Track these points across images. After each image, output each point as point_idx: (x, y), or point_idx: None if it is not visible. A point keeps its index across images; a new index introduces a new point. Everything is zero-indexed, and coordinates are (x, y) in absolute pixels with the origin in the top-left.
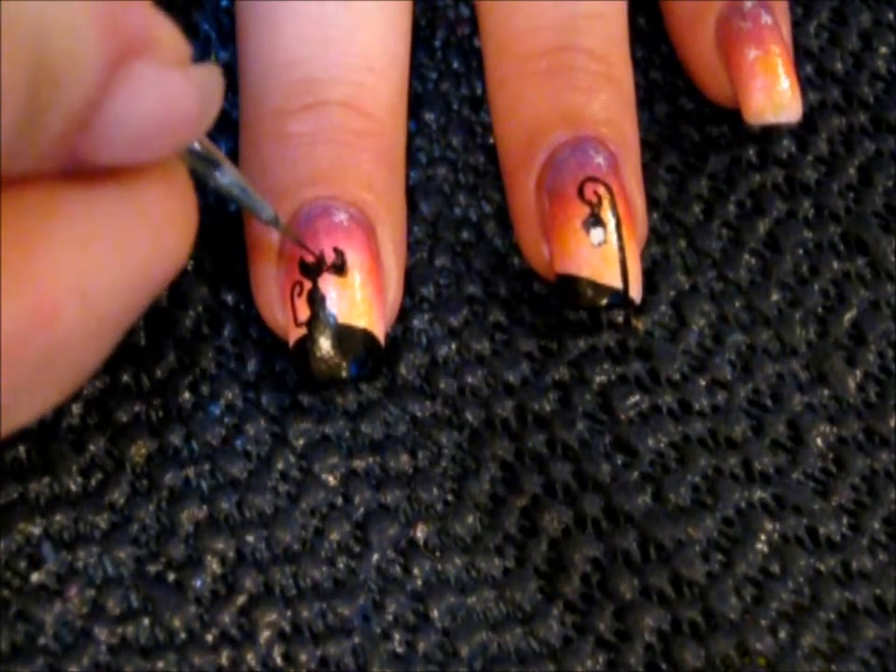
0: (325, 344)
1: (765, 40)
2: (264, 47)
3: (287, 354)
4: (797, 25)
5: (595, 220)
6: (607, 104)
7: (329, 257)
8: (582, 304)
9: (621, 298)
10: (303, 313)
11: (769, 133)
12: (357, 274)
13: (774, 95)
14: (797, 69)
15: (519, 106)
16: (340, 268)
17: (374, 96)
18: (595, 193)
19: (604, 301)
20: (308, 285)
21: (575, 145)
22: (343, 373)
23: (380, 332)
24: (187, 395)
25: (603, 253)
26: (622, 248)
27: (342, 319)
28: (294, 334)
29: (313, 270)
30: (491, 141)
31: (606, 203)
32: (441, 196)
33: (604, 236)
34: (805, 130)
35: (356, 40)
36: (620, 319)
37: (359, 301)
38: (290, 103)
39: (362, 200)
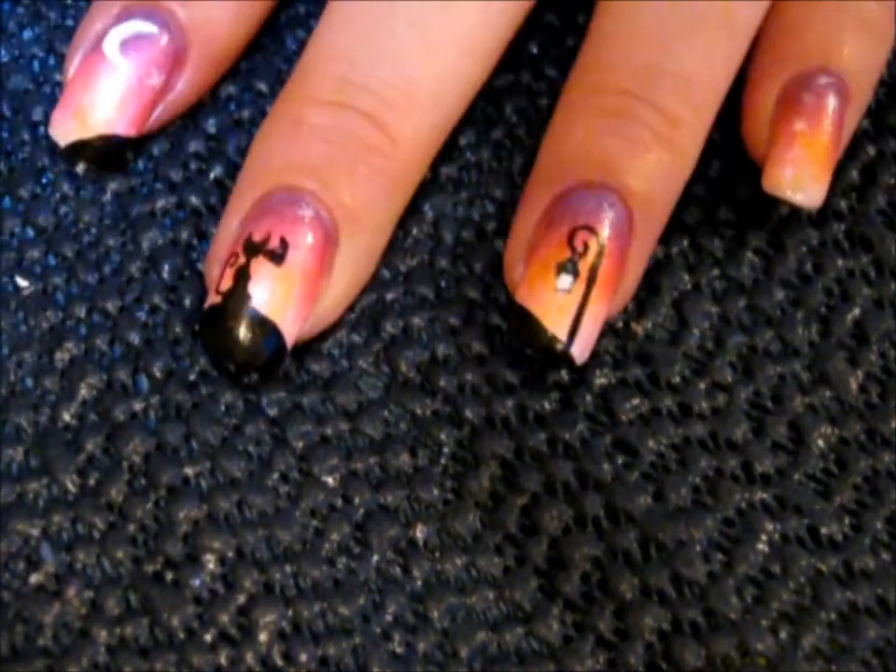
0: (229, 321)
1: (818, 120)
2: (323, 35)
3: (197, 316)
4: None
5: (571, 267)
6: (652, 165)
7: (273, 243)
8: (523, 339)
9: (561, 349)
10: (226, 283)
11: None
12: (292, 271)
13: (799, 173)
14: (837, 161)
15: (568, 133)
16: (277, 257)
17: (402, 122)
18: (585, 243)
19: (544, 345)
20: (242, 260)
21: (596, 191)
22: (236, 353)
23: (288, 334)
24: (186, 395)
25: (562, 300)
26: (583, 305)
27: (256, 305)
28: (211, 299)
29: (252, 249)
30: (496, 136)
31: (590, 257)
32: (443, 195)
33: (570, 286)
34: None
35: (408, 64)
36: (619, 324)
37: (282, 296)
38: (318, 92)
39: (340, 209)
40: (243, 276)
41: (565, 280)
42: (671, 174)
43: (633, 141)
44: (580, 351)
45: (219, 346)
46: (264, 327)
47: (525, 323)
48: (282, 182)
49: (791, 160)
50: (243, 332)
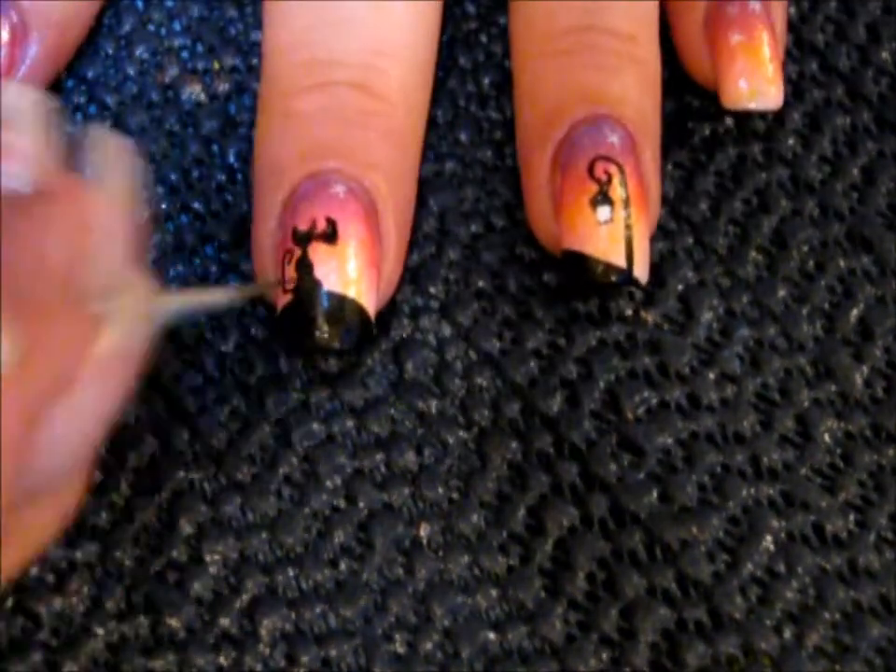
0: (309, 312)
1: (750, 26)
2: (276, 31)
3: (275, 320)
4: (803, 20)
5: (603, 198)
6: (628, 83)
7: (320, 225)
8: (587, 281)
9: (625, 276)
10: (291, 279)
11: (774, 132)
12: (349, 245)
13: (752, 81)
14: (782, 57)
15: (539, 86)
16: (330, 237)
17: (383, 78)
18: (606, 172)
19: (607, 279)
20: (298, 252)
21: (590, 123)
22: (327, 340)
23: (369, 304)
24: (191, 399)
25: (609, 231)
26: (628, 227)
27: (329, 287)
28: (281, 300)
29: (304, 238)
30: (498, 136)
31: (616, 182)
32: (449, 191)
33: (610, 214)
34: (809, 129)
35: (362, 24)
36: (629, 312)
37: (349, 270)
38: (296, 83)
39: (364, 176)
40: (305, 266)
41: (603, 212)
42: (646, 84)
43: (602, 68)
44: (641, 270)
45: (308, 340)
46: (344, 304)
47: (581, 266)
48: (304, 171)
49: (739, 72)
50: (326, 318)
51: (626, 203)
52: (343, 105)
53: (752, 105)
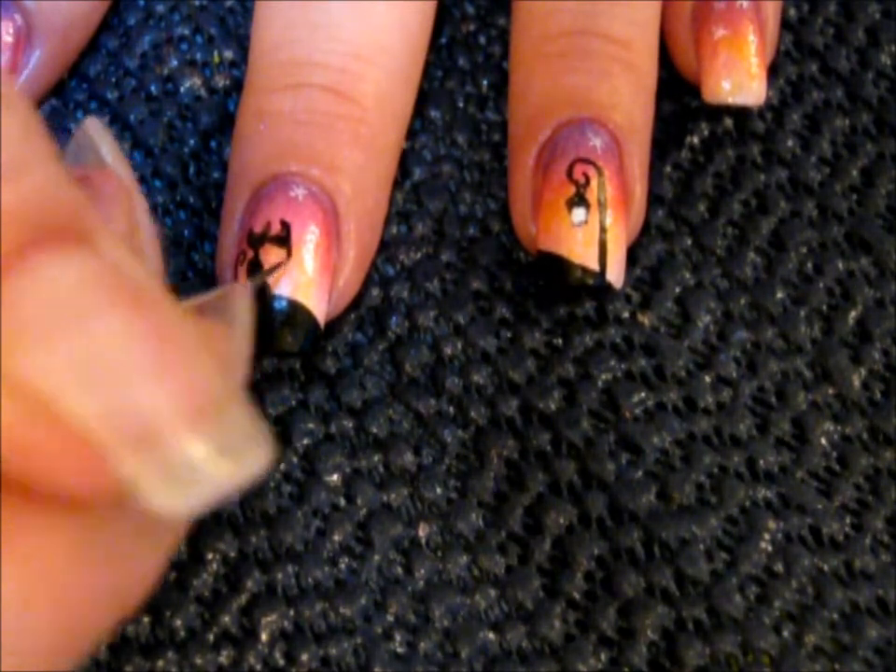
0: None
1: (735, 22)
2: (262, 30)
3: None
4: (802, 22)
5: (580, 200)
6: (617, 88)
7: (274, 228)
8: (561, 284)
9: (597, 279)
10: (243, 280)
11: (773, 133)
12: (301, 249)
13: (733, 76)
14: (770, 55)
15: (529, 87)
16: (283, 240)
17: (358, 83)
18: (584, 174)
19: (581, 281)
20: (251, 254)
21: (575, 125)
22: (272, 344)
23: (317, 310)
24: None
25: (583, 233)
26: (604, 230)
27: (277, 291)
28: None
29: (257, 240)
30: (496, 138)
31: (593, 184)
32: (446, 193)
33: (586, 216)
34: (808, 131)
35: (344, 27)
36: (626, 314)
37: (298, 275)
38: (271, 83)
39: (327, 180)
40: (255, 268)
41: (579, 213)
42: (637, 90)
43: (594, 72)
44: (615, 276)
45: (255, 342)
46: (292, 309)
47: (554, 267)
48: (267, 174)
49: (721, 66)
50: (273, 321)
51: (602, 205)
52: (313, 108)
53: (732, 100)
